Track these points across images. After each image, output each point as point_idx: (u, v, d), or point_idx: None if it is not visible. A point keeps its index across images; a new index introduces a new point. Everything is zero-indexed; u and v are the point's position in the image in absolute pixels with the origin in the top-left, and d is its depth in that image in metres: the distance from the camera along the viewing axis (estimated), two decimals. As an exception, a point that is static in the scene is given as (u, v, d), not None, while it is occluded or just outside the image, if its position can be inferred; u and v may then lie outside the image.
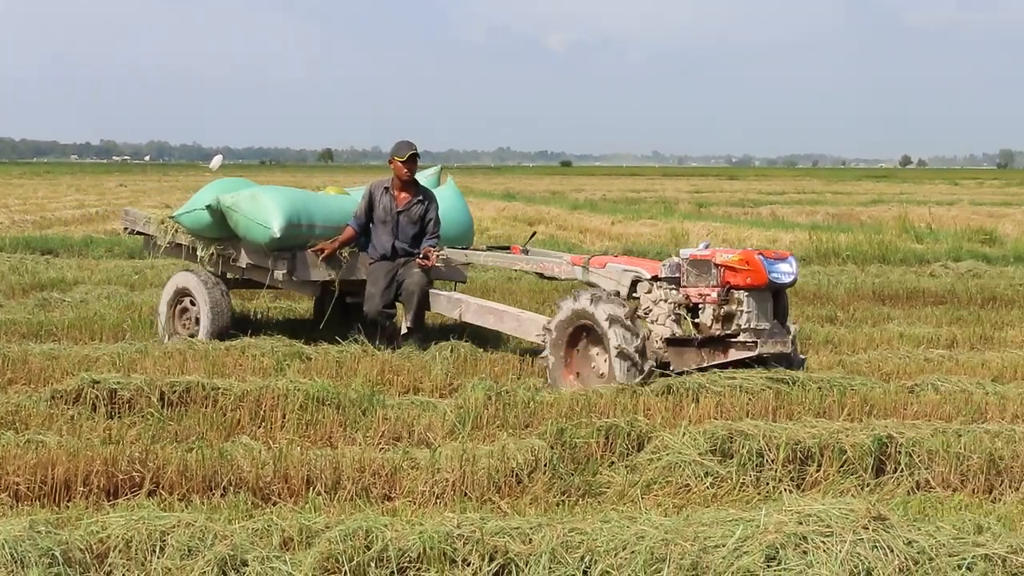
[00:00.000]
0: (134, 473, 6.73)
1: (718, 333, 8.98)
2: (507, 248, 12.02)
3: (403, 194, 11.35)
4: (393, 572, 5.07)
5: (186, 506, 6.44)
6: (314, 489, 6.73)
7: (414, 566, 5.10)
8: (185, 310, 11.82)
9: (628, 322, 8.69)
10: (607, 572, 4.98)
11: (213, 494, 6.66)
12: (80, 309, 13.68)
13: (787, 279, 8.97)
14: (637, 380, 8.61)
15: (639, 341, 8.64)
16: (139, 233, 12.89)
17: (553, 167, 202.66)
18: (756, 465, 7.07)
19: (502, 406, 8.35)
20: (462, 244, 11.92)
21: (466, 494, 6.67)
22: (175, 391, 8.44)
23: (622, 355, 8.61)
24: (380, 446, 7.57)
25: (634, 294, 9.33)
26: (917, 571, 4.91)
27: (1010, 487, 7.19)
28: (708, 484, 6.88)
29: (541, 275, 11.04)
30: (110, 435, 7.52)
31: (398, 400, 8.66)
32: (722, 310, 8.99)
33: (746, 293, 8.88)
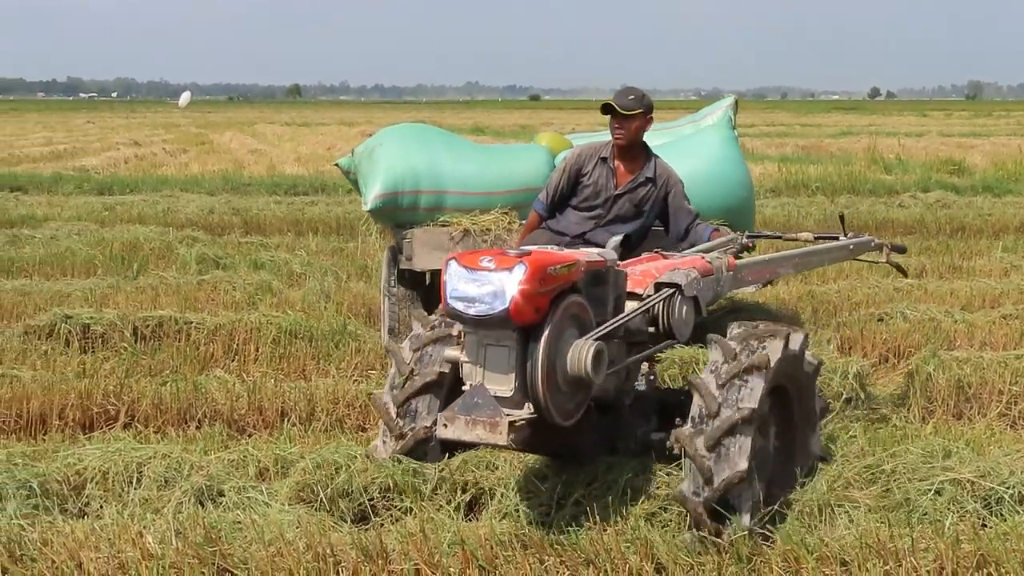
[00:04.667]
0: (109, 407, 6.90)
1: None
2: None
3: (627, 168, 7.44)
4: (364, 503, 5.22)
5: (162, 438, 6.60)
6: (288, 421, 6.89)
7: (386, 496, 5.25)
8: None
9: None
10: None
11: (188, 426, 6.84)
12: (51, 245, 13.75)
13: (474, 310, 4.53)
14: None
15: None
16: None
17: (522, 101, 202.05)
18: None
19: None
20: (737, 223, 8.08)
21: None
22: (148, 326, 8.61)
23: None
24: (353, 378, 7.72)
25: None
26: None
27: (978, 413, 7.55)
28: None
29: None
30: (84, 369, 7.71)
31: (370, 333, 8.76)
32: None
33: None
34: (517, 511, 5.11)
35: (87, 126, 58.62)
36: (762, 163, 25.62)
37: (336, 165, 9.16)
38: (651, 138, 7.96)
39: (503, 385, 4.56)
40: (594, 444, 5.24)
